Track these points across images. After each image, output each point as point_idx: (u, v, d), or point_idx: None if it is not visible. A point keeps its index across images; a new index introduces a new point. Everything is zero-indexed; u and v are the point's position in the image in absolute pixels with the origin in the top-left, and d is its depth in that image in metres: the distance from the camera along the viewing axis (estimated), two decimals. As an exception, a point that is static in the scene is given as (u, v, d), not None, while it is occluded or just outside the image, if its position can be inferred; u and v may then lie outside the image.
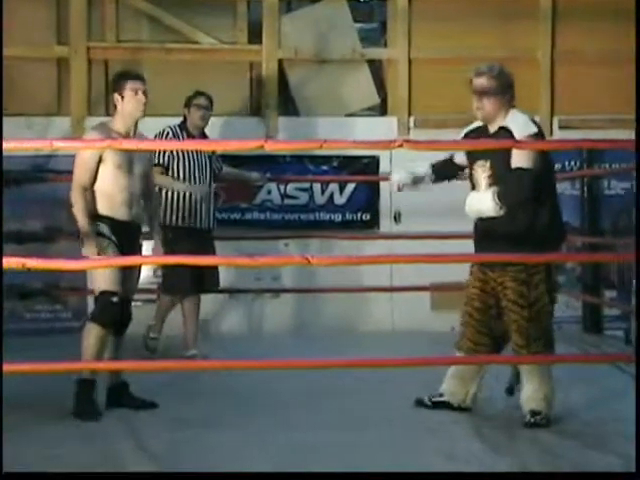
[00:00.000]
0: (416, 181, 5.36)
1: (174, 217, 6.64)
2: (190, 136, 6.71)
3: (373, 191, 8.30)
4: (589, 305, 8.20)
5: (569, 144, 6.90)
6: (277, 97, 8.30)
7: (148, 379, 5.34)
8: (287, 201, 8.25)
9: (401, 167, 5.47)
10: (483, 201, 4.92)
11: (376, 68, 8.52)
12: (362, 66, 8.46)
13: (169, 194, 6.64)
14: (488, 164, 4.93)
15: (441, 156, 5.33)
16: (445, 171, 5.34)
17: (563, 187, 7.79)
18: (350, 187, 8.29)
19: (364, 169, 8.24)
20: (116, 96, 5.24)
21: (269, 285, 8.08)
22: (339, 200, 8.29)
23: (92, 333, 5.11)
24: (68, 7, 8.12)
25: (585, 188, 8.26)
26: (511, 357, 5.09)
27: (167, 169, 6.62)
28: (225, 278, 7.03)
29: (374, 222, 8.31)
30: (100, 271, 5.10)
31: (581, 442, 4.56)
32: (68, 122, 8.07)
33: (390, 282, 8.05)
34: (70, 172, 5.24)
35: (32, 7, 8.10)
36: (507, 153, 4.82)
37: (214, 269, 6.73)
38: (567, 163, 8.25)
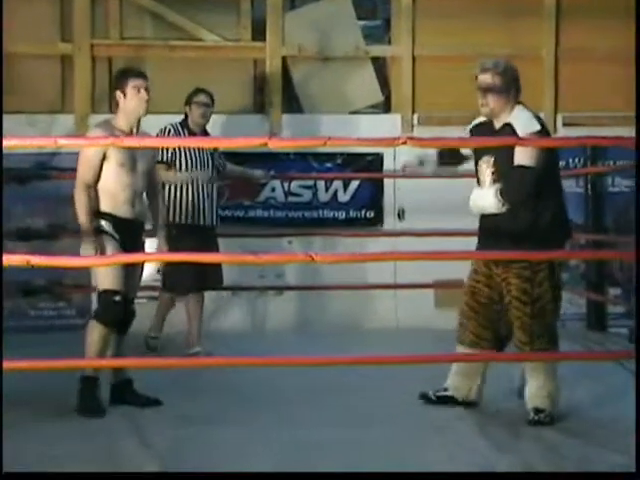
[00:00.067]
0: (422, 162, 5.36)
1: (177, 214, 6.63)
2: (191, 133, 6.71)
3: (377, 188, 8.29)
4: (593, 302, 8.20)
5: (572, 141, 6.87)
6: (281, 94, 8.30)
7: (152, 376, 5.34)
8: (291, 198, 8.24)
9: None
10: (486, 198, 4.92)
11: (380, 65, 8.51)
12: (366, 63, 8.45)
13: (172, 191, 6.64)
14: (492, 160, 4.93)
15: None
16: (450, 156, 5.34)
17: (567, 184, 7.74)
18: (354, 184, 8.28)
19: (368, 166, 8.23)
20: (118, 93, 5.24)
21: (273, 282, 8.08)
22: (343, 197, 8.29)
23: (95, 332, 5.11)
24: (72, 4, 8.11)
25: (589, 185, 8.25)
26: (515, 354, 5.08)
27: (170, 167, 6.62)
28: (229, 275, 7.02)
29: (378, 219, 8.30)
30: (102, 270, 5.10)
31: (585, 440, 4.56)
32: (72, 119, 8.07)
33: (394, 279, 8.04)
34: (74, 170, 5.24)
35: (36, 4, 8.10)
36: (511, 150, 4.82)
37: (217, 266, 6.72)
38: (571, 160, 8.25)
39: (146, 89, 5.23)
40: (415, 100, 8.36)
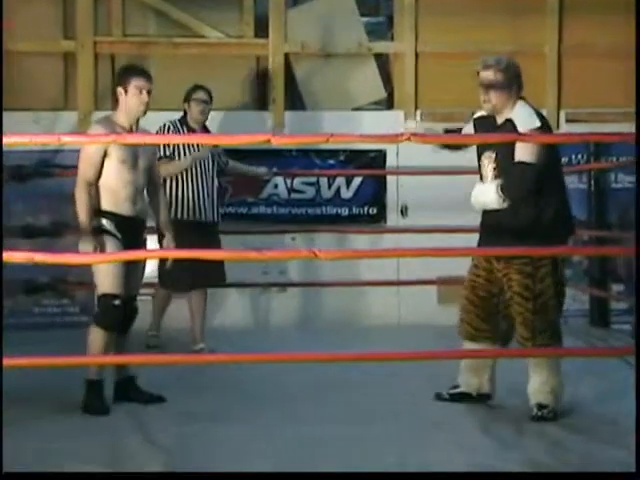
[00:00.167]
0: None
1: (178, 211, 6.63)
2: (191, 130, 6.71)
3: (380, 185, 8.29)
4: (596, 299, 8.19)
5: (575, 137, 6.89)
6: (283, 91, 8.29)
7: (156, 373, 5.35)
8: (294, 195, 8.25)
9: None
10: (487, 193, 4.93)
11: (383, 62, 8.51)
12: (369, 60, 8.45)
13: (172, 187, 6.64)
14: (494, 156, 4.94)
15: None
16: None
17: (570, 180, 7.76)
18: (357, 181, 8.28)
19: (371, 163, 8.23)
20: (120, 90, 5.21)
21: (276, 279, 8.08)
22: (346, 194, 8.29)
23: (96, 336, 5.09)
24: (74, 2, 8.12)
25: (592, 181, 8.25)
26: (519, 350, 5.08)
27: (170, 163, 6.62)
28: (232, 272, 7.03)
29: (381, 216, 8.30)
30: (102, 272, 5.07)
31: (588, 436, 4.56)
32: (75, 117, 8.08)
33: (397, 276, 8.04)
34: (77, 167, 5.22)
35: (39, 2, 8.11)
36: (512, 146, 4.83)
37: (220, 263, 6.71)
38: (574, 156, 8.24)
39: (148, 91, 5.18)
40: (418, 97, 8.36)
